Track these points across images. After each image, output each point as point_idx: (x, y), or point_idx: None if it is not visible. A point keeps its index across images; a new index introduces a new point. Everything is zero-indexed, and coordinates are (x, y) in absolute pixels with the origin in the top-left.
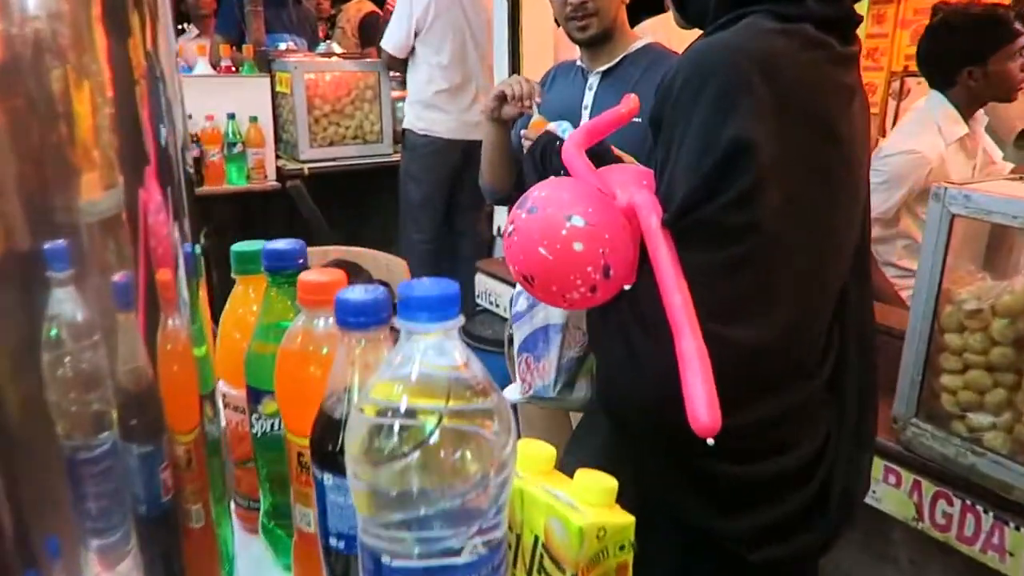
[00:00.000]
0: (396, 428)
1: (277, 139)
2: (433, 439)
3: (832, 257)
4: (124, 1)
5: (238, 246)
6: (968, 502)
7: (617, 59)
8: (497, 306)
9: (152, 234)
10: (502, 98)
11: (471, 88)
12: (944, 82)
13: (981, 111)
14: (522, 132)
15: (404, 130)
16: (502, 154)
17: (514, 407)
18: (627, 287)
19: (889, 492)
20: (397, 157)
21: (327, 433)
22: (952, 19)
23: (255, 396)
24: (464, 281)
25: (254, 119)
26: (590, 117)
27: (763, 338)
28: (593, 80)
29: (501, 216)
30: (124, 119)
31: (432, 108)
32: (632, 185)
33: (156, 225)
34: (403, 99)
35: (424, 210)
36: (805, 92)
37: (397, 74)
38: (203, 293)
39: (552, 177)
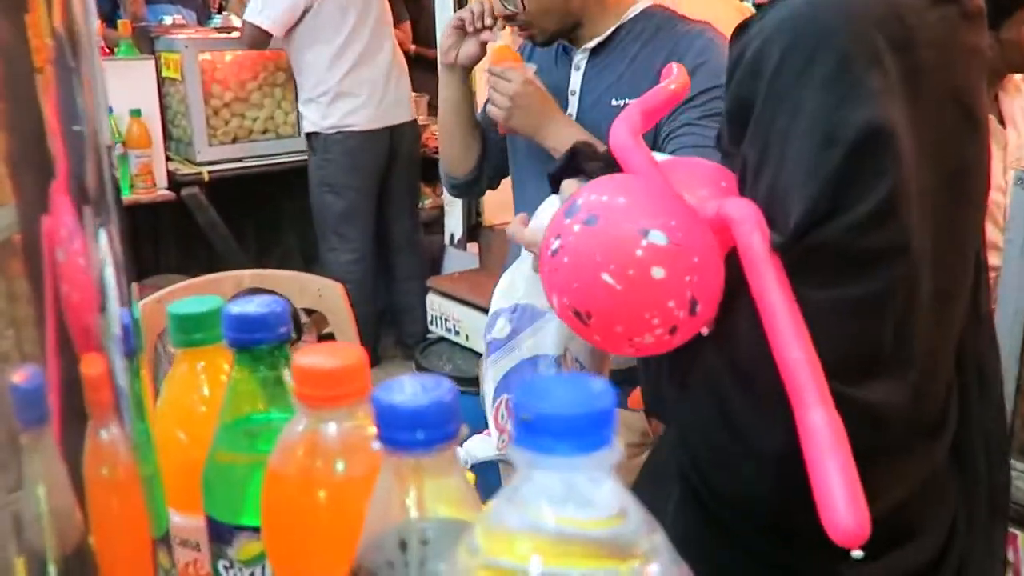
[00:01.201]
0: None
1: (167, 137)
2: None
3: (959, 280)
4: None
5: (178, 306)
6: None
7: (608, 31)
8: (457, 333)
9: (65, 279)
10: (460, 28)
11: (381, 62)
12: None
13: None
14: (487, 69)
15: (309, 134)
16: (462, 119)
17: (488, 466)
18: (705, 329)
19: None
20: None
21: None
22: None
23: (221, 533)
24: (410, 302)
25: (136, 113)
26: (579, 103)
27: (898, 396)
28: (580, 59)
29: (455, 220)
30: (17, 115)
31: (343, 97)
32: (708, 187)
33: (72, 268)
34: None
35: (351, 222)
36: (939, 61)
37: None
38: (146, 373)
39: (609, 174)
